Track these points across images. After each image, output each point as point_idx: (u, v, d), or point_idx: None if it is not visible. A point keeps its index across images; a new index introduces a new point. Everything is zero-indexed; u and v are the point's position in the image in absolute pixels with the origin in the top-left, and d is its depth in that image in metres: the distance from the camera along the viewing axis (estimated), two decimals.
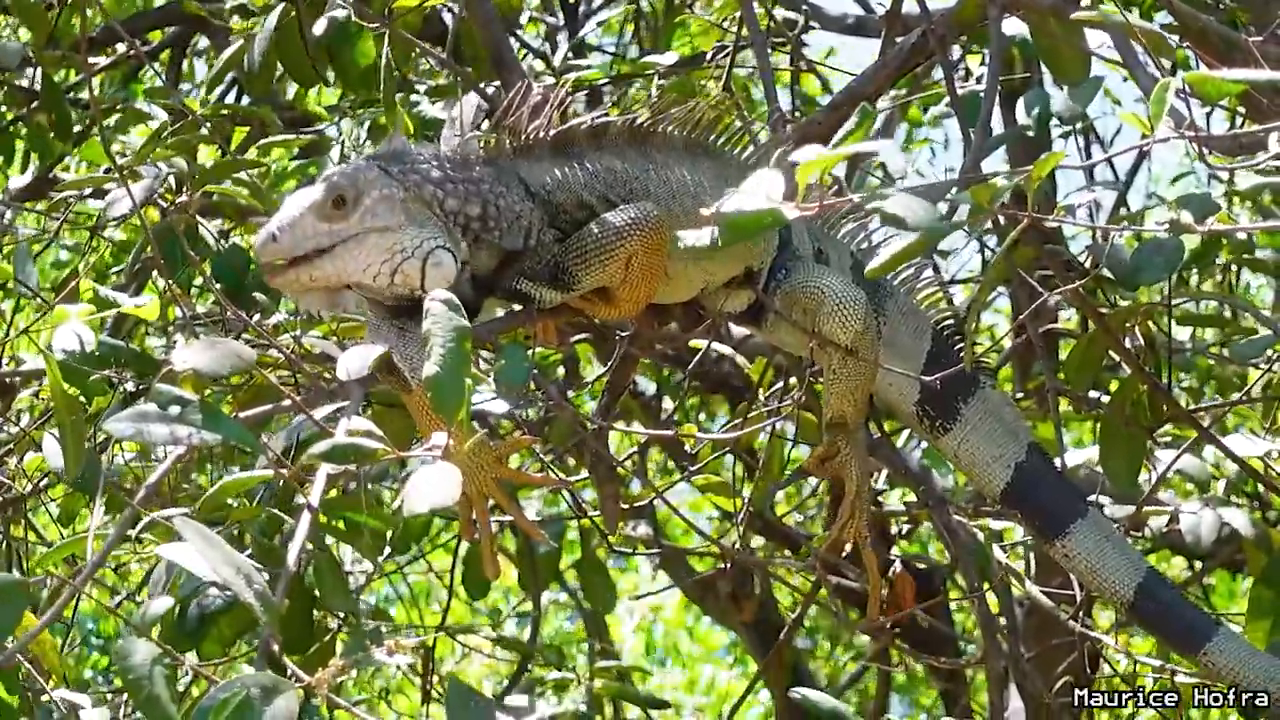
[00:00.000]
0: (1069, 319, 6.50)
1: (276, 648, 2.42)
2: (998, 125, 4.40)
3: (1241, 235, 4.40)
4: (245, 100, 5.30)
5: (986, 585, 4.06)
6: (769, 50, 4.43)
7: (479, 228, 3.19)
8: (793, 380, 4.18)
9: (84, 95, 5.59)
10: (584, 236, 3.23)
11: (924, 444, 5.23)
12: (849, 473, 3.53)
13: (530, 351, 3.12)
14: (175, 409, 2.55)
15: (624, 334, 3.88)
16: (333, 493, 4.03)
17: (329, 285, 3.09)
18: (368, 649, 2.55)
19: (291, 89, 5.80)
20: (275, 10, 4.52)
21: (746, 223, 2.69)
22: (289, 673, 2.42)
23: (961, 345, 3.64)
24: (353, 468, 3.30)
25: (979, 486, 3.70)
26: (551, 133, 3.29)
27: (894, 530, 5.55)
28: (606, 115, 3.37)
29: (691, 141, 3.44)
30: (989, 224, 3.86)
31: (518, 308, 3.31)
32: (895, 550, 5.30)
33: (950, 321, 3.69)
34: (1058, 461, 3.76)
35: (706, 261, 3.38)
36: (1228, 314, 5.44)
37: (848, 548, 3.55)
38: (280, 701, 2.33)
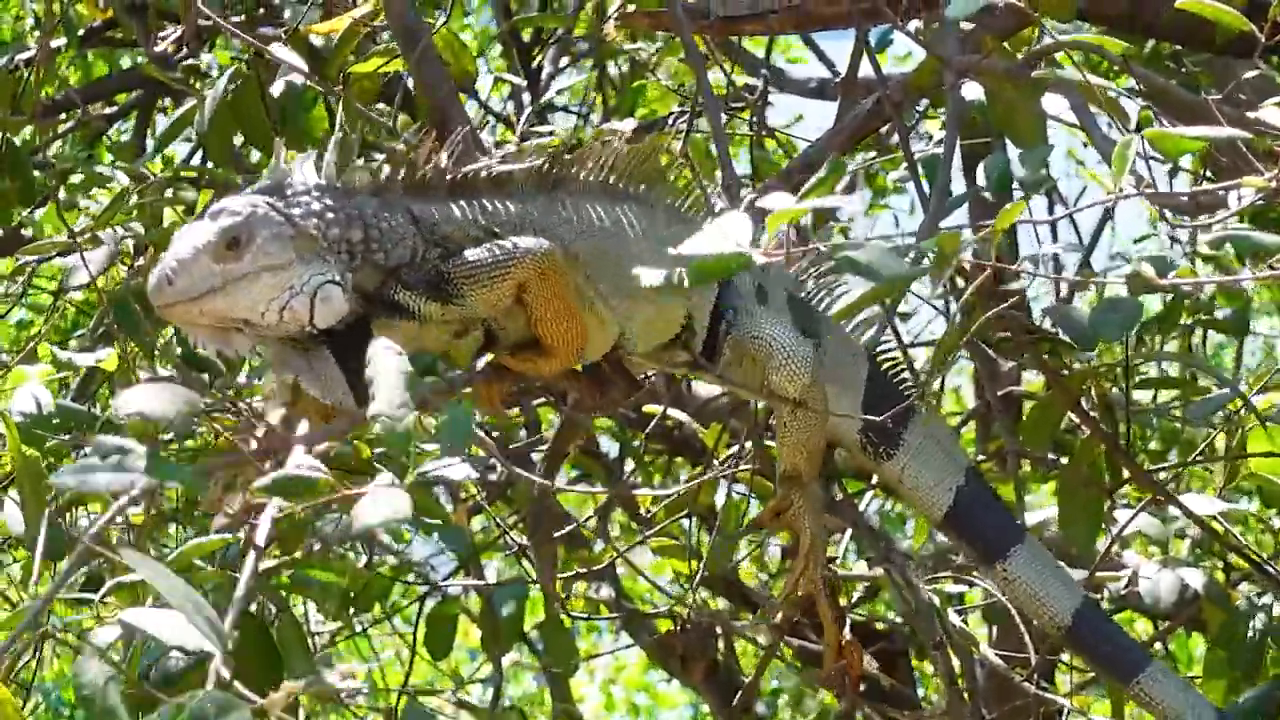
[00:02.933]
0: (1033, 380, 6.50)
1: (228, 674, 2.36)
2: (959, 189, 4.39)
3: (1204, 293, 4.41)
4: (208, 163, 5.28)
5: (947, 639, 4.06)
6: (726, 116, 4.43)
7: (362, 249, 3.15)
8: (748, 445, 4.19)
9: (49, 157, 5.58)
10: (474, 253, 3.19)
11: (879, 506, 5.24)
12: (802, 525, 3.55)
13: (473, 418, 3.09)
14: (117, 458, 2.49)
15: (566, 404, 3.87)
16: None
17: (218, 321, 3.06)
18: (320, 676, 2.50)
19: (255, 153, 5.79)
20: (227, 72, 4.50)
21: (714, 266, 2.70)
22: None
23: (895, 368, 3.68)
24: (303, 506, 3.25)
25: (922, 511, 3.72)
26: (451, 177, 3.25)
27: (847, 601, 5.54)
28: (508, 162, 3.33)
29: (610, 186, 3.40)
30: (950, 285, 3.86)
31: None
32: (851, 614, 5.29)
33: (883, 346, 3.69)
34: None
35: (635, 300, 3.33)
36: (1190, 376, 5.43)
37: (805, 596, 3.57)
38: (233, 716, 2.28)
